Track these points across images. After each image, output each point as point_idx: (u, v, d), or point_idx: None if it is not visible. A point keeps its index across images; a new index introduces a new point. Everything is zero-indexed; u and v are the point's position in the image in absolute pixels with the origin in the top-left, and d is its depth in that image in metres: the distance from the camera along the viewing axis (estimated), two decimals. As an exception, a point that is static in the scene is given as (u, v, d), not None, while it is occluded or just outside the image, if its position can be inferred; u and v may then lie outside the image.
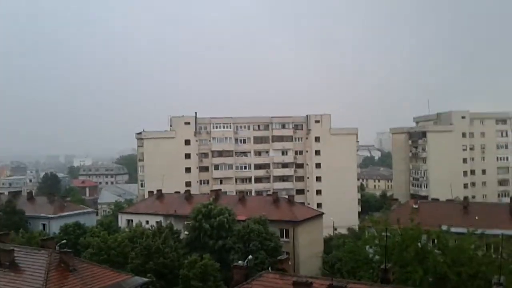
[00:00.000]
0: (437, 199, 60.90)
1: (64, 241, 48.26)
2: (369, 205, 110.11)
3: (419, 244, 31.40)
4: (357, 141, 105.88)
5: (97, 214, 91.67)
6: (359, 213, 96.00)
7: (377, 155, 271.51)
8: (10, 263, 28.50)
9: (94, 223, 63.74)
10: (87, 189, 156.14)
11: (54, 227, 59.88)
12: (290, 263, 50.87)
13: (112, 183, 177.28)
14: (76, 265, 29.08)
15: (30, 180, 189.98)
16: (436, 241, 32.34)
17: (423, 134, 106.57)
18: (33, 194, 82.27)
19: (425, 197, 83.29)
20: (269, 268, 27.70)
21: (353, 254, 34.32)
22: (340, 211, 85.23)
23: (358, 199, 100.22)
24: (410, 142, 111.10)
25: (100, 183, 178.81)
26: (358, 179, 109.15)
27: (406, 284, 26.74)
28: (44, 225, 63.01)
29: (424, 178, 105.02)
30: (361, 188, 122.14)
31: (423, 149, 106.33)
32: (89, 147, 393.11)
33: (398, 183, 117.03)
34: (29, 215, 62.73)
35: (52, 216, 63.61)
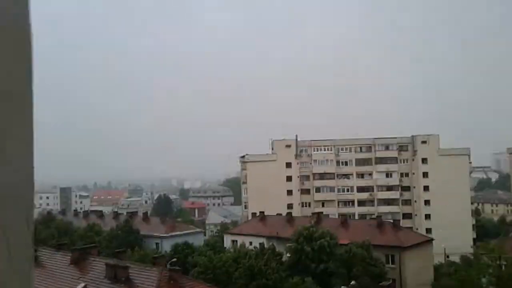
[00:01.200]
0: None
1: (175, 259, 51.58)
2: (485, 231, 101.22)
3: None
4: (470, 162, 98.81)
5: (205, 234, 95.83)
6: (474, 240, 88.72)
7: (494, 177, 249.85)
8: (125, 278, 31.10)
9: (201, 243, 66.70)
10: (196, 210, 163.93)
11: (166, 246, 63.67)
12: (396, 290, 49.34)
13: (219, 204, 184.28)
14: (184, 282, 30.88)
15: (146, 202, 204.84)
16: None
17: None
18: (148, 214, 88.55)
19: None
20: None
21: (463, 283, 32.05)
22: (452, 237, 79.58)
23: (473, 225, 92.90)
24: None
25: (208, 204, 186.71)
26: (473, 203, 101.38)
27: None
28: (157, 244, 67.42)
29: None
30: (476, 213, 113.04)
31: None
32: (199, 171, 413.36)
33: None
34: (143, 234, 67.57)
35: (164, 235, 67.90)
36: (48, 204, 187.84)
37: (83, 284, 32.71)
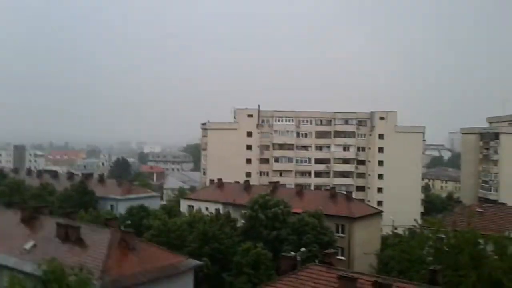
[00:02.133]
0: (505, 204, 57.95)
1: (129, 222, 51.64)
2: (433, 206, 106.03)
3: (475, 248, 30.41)
4: (424, 140, 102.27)
5: (162, 199, 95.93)
6: (422, 214, 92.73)
7: (447, 155, 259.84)
8: (76, 238, 31.07)
9: (158, 207, 66.89)
10: (155, 175, 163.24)
11: (121, 208, 63.55)
12: (344, 258, 51.43)
13: (178, 170, 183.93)
14: (136, 244, 31.11)
15: (103, 164, 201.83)
16: (494, 246, 31.12)
17: (496, 136, 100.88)
18: (105, 177, 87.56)
19: (494, 201, 79.24)
20: (316, 261, 28.13)
21: (405, 253, 33.83)
22: (402, 211, 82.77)
23: (422, 200, 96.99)
24: (481, 143, 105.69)
25: (167, 169, 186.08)
26: (423, 179, 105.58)
27: (458, 288, 26.13)
28: (112, 206, 67.15)
29: (494, 181, 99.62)
30: (426, 189, 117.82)
31: (495, 151, 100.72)
32: (159, 136, 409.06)
33: (467, 185, 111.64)
34: (99, 196, 67.04)
35: (119, 198, 67.67)
36: (0, 162, 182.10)
37: (32, 243, 32.44)
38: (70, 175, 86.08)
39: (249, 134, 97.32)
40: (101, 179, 78.35)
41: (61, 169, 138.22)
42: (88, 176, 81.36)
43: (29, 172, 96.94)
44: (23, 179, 79.82)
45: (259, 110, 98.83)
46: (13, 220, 37.07)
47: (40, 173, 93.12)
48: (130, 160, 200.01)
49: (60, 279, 22.79)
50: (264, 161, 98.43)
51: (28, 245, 32.20)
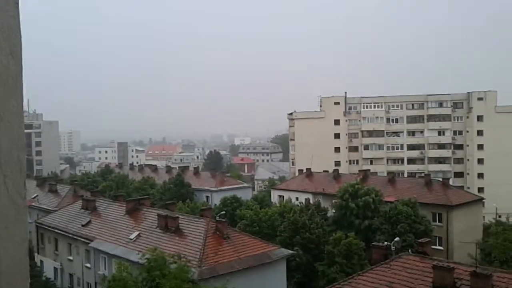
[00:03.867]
0: None
1: (223, 212, 53.76)
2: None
3: None
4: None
5: (253, 189, 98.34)
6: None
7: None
8: (175, 228, 33.15)
9: (249, 197, 68.71)
10: (246, 166, 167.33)
11: (215, 199, 66.27)
12: (442, 248, 49.27)
13: (267, 161, 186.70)
14: (230, 233, 32.51)
15: (197, 157, 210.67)
16: None
17: None
18: (199, 169, 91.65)
19: None
20: (410, 251, 27.41)
21: (509, 242, 31.71)
22: (506, 197, 77.41)
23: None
24: None
25: (257, 160, 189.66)
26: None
27: None
28: (207, 197, 70.23)
29: None
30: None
31: None
32: (249, 127, 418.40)
33: None
34: (195, 188, 70.43)
35: (214, 189, 70.50)
36: (106, 158, 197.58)
37: (137, 233, 35.21)
38: (168, 169, 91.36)
39: (337, 122, 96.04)
40: (196, 172, 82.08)
41: (160, 163, 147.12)
42: (184, 169, 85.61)
43: (131, 167, 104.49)
44: (127, 173, 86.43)
45: (345, 97, 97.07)
46: (119, 212, 40.48)
47: (141, 167, 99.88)
48: (222, 152, 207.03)
49: (161, 267, 24.63)
50: (353, 149, 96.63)
51: (133, 235, 35.02)
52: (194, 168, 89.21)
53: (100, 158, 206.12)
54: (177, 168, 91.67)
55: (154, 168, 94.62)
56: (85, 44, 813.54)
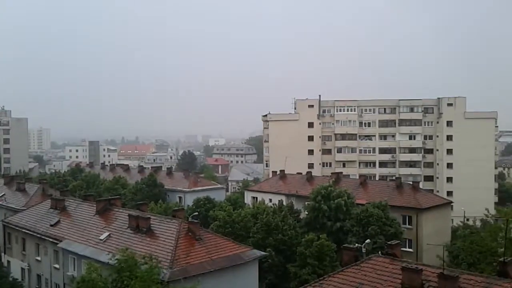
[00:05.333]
0: None
1: (196, 213, 53.39)
2: (509, 195, 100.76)
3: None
4: (496, 126, 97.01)
5: (227, 190, 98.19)
6: (496, 204, 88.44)
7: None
8: (147, 229, 32.75)
9: (223, 199, 68.55)
10: (220, 167, 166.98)
11: (189, 200, 65.83)
12: (412, 250, 50.20)
13: (242, 162, 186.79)
14: (202, 234, 32.28)
15: (171, 157, 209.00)
16: None
17: None
18: (172, 169, 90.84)
19: None
20: (379, 253, 27.79)
21: (476, 245, 32.53)
22: (473, 201, 79.46)
23: (495, 189, 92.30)
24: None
25: (231, 161, 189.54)
26: (497, 168, 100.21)
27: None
28: (180, 197, 69.71)
29: None
30: (500, 178, 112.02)
31: None
32: (224, 128, 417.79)
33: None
34: (167, 188, 69.86)
35: (187, 190, 70.02)
36: (77, 157, 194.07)
37: (107, 233, 34.63)
38: (141, 169, 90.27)
39: (311, 124, 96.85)
40: (169, 172, 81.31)
41: (132, 163, 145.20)
42: (157, 169, 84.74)
43: (103, 166, 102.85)
44: (98, 173, 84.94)
45: (319, 100, 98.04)
46: (89, 212, 39.73)
47: (113, 167, 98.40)
48: (196, 153, 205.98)
49: (132, 268, 24.27)
50: (327, 151, 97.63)
51: (103, 235, 34.43)
52: (167, 168, 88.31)
53: (70, 157, 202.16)
54: (150, 168, 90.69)
55: (126, 168, 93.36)
56: (59, 39, 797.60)
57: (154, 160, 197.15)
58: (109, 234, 34.38)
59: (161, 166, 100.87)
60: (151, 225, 33.15)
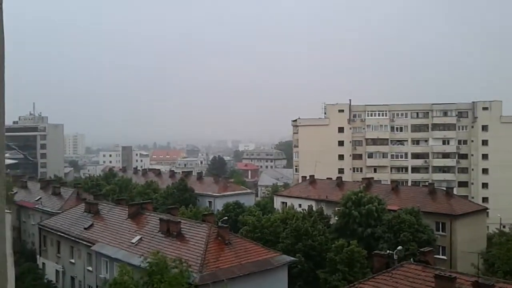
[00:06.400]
0: None
1: (226, 218, 53.65)
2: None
3: None
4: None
5: (256, 195, 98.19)
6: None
7: None
8: (177, 233, 33.14)
9: (252, 203, 68.65)
10: (249, 172, 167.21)
11: (218, 205, 66.23)
12: (445, 258, 48.99)
13: (271, 167, 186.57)
14: (232, 239, 32.44)
15: (201, 162, 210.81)
16: None
17: None
18: (203, 174, 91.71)
19: None
20: (412, 260, 27.27)
21: (509, 252, 31.52)
22: (510, 207, 76.99)
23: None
24: None
25: (261, 166, 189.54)
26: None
27: None
28: (210, 202, 70.20)
29: None
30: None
31: None
32: (254, 134, 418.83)
33: None
34: (198, 193, 70.46)
35: (217, 194, 70.46)
36: (110, 162, 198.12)
37: (139, 237, 35.22)
38: (172, 173, 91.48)
39: (341, 129, 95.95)
40: (200, 177, 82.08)
41: (163, 168, 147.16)
42: (187, 174, 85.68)
43: (135, 171, 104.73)
44: (130, 177, 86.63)
45: (350, 105, 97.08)
46: (121, 215, 40.54)
47: (145, 172, 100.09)
48: (226, 158, 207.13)
49: (163, 271, 24.61)
50: (357, 156, 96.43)
51: (135, 239, 35.03)
52: (198, 173, 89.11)
53: (104, 162, 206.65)
54: (181, 173, 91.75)
55: (158, 173, 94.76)
56: (89, 48, 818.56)
57: (184, 165, 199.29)
58: (141, 238, 34.95)
59: (192, 171, 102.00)
60: (182, 229, 33.53)
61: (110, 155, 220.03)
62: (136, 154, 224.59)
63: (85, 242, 38.87)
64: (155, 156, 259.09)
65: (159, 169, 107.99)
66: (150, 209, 41.66)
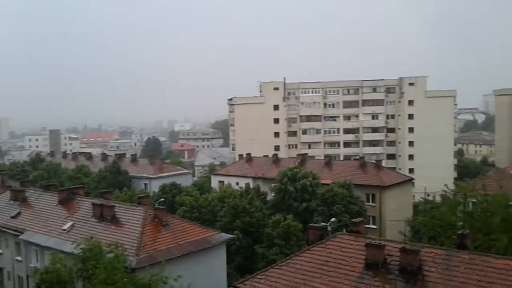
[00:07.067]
0: (541, 166, 56.48)
1: (162, 199, 52.97)
2: (467, 171, 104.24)
3: (507, 211, 29.95)
4: (455, 104, 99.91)
5: (193, 176, 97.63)
6: (455, 179, 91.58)
7: (481, 119, 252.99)
8: (111, 217, 32.23)
9: (189, 184, 68.16)
10: (186, 152, 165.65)
11: (154, 186, 65.11)
12: (376, 227, 51.53)
13: (208, 146, 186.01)
14: (169, 220, 32.03)
15: (135, 144, 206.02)
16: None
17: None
18: (137, 156, 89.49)
19: (530, 164, 77.21)
20: (344, 230, 28.37)
21: (436, 219, 33.64)
22: (434, 177, 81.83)
23: (455, 165, 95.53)
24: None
25: (197, 146, 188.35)
26: (456, 144, 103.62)
27: (489, 252, 25.90)
28: (145, 184, 68.85)
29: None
30: (459, 154, 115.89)
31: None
32: (189, 113, 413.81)
33: (502, 148, 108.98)
34: (132, 175, 68.80)
35: (152, 176, 69.20)
36: (37, 146, 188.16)
37: (70, 223, 33.91)
38: (104, 157, 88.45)
39: (276, 107, 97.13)
40: (134, 159, 80.00)
41: (95, 151, 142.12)
42: (121, 156, 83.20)
43: (64, 155, 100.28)
44: (59, 162, 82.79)
45: (284, 83, 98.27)
46: (51, 202, 38.74)
47: (75, 155, 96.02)
48: (162, 139, 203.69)
49: (97, 256, 23.90)
50: (292, 133, 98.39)
51: (66, 225, 33.69)
52: (132, 155, 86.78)
53: (30, 147, 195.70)
54: (114, 155, 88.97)
55: (89, 156, 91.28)
56: (18, 24, 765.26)
57: (117, 147, 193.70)
58: (73, 224, 33.67)
59: (125, 153, 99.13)
60: (116, 213, 32.64)
61: (37, 140, 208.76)
62: (65, 138, 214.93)
63: (12, 231, 36.84)
64: (86, 139, 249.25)
65: (90, 153, 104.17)
66: (82, 194, 40.10)
